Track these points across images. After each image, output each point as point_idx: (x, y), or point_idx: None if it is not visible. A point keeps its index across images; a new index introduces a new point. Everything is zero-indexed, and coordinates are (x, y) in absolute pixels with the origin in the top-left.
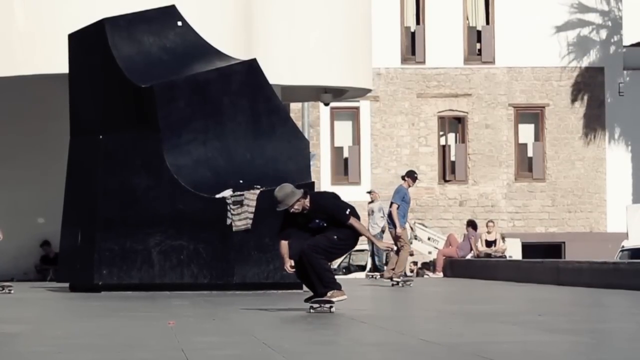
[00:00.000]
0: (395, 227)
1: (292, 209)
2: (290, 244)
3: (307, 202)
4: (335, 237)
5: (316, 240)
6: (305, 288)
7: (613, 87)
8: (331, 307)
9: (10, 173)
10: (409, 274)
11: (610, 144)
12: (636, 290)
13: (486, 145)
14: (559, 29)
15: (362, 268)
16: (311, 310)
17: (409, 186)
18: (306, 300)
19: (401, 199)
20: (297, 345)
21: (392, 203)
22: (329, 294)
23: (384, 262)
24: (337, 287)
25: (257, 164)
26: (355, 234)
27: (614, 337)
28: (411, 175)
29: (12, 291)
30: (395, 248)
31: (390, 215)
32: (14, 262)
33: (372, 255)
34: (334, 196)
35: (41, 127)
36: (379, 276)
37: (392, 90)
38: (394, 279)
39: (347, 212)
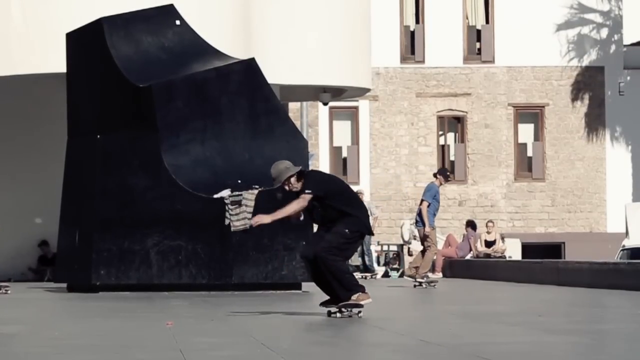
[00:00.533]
0: (424, 225)
1: (287, 187)
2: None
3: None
4: (347, 230)
5: (328, 240)
6: (304, 288)
7: (613, 86)
8: (360, 311)
9: (7, 173)
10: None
11: (611, 144)
12: (636, 291)
13: (485, 145)
14: (559, 28)
15: (360, 268)
16: (337, 315)
17: (440, 184)
18: (323, 304)
19: (432, 197)
20: (296, 346)
21: (422, 200)
22: (353, 297)
23: (376, 262)
24: (362, 289)
25: (255, 163)
26: (361, 220)
27: (614, 338)
28: (443, 173)
29: (8, 291)
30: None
31: (419, 213)
32: (12, 262)
33: (362, 255)
34: (317, 175)
35: (39, 127)
36: (369, 276)
37: (391, 89)
38: (417, 280)
39: (305, 192)
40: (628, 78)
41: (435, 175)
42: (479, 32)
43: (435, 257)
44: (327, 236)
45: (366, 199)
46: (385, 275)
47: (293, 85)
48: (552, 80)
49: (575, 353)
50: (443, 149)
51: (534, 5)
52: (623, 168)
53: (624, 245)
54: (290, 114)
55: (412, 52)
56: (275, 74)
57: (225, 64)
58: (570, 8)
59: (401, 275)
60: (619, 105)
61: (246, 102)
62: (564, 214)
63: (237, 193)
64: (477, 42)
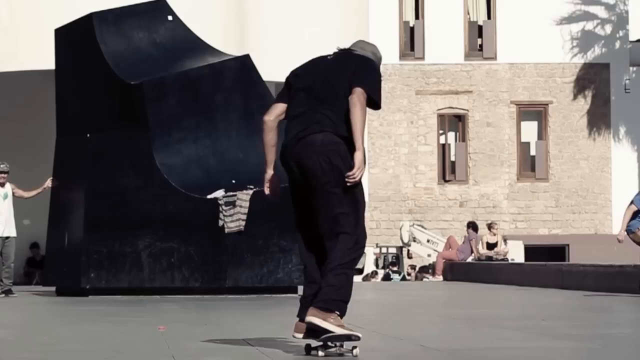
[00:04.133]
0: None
1: None
2: None
3: None
4: None
5: None
6: (300, 292)
7: (618, 83)
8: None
9: None
10: (407, 277)
11: (616, 143)
12: None
13: (487, 144)
14: (563, 23)
15: (359, 271)
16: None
17: None
18: None
19: None
20: (291, 351)
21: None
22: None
23: (374, 264)
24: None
25: (250, 163)
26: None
27: (619, 343)
28: None
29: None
30: None
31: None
32: None
33: None
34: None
35: (26, 125)
36: None
37: (390, 87)
38: None
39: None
40: (634, 75)
41: None
42: (480, 27)
43: (438, 259)
44: None
45: None
46: (387, 278)
47: None
48: (556, 77)
49: (580, 359)
50: (444, 148)
51: (536, 0)
52: (629, 168)
53: None
54: None
55: (412, 49)
56: (270, 71)
57: (219, 60)
58: (574, 3)
59: (403, 278)
60: (624, 103)
61: (240, 99)
62: (568, 215)
63: (231, 194)
64: (478, 38)
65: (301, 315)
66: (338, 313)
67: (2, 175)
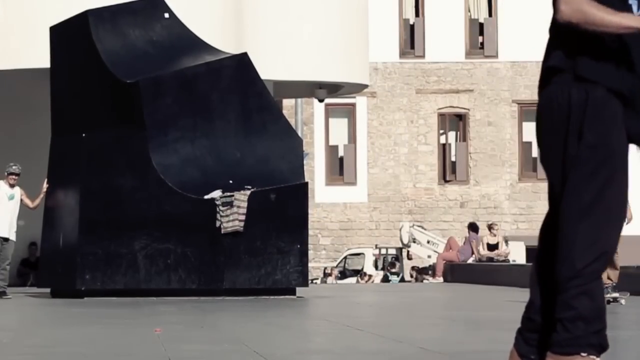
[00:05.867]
0: None
1: None
2: None
3: None
4: None
5: None
6: (298, 293)
7: None
8: None
9: None
10: (407, 279)
11: None
12: None
13: (488, 143)
14: None
15: (357, 272)
16: None
17: None
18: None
19: None
20: (289, 354)
21: None
22: None
23: (373, 265)
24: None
25: (247, 163)
26: None
27: (622, 346)
28: None
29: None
30: None
31: None
32: None
33: None
34: None
35: (21, 125)
36: None
37: (390, 85)
38: None
39: None
40: None
41: None
42: (481, 25)
43: (439, 261)
44: None
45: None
46: (385, 279)
47: (287, 81)
48: None
49: None
50: (444, 148)
51: None
52: (631, 168)
53: None
54: (284, 111)
55: (412, 47)
56: (268, 69)
57: (216, 58)
58: None
59: (402, 280)
60: None
61: (238, 98)
62: None
63: (228, 194)
64: (479, 36)
65: (517, 346)
66: (584, 354)
67: (12, 176)
